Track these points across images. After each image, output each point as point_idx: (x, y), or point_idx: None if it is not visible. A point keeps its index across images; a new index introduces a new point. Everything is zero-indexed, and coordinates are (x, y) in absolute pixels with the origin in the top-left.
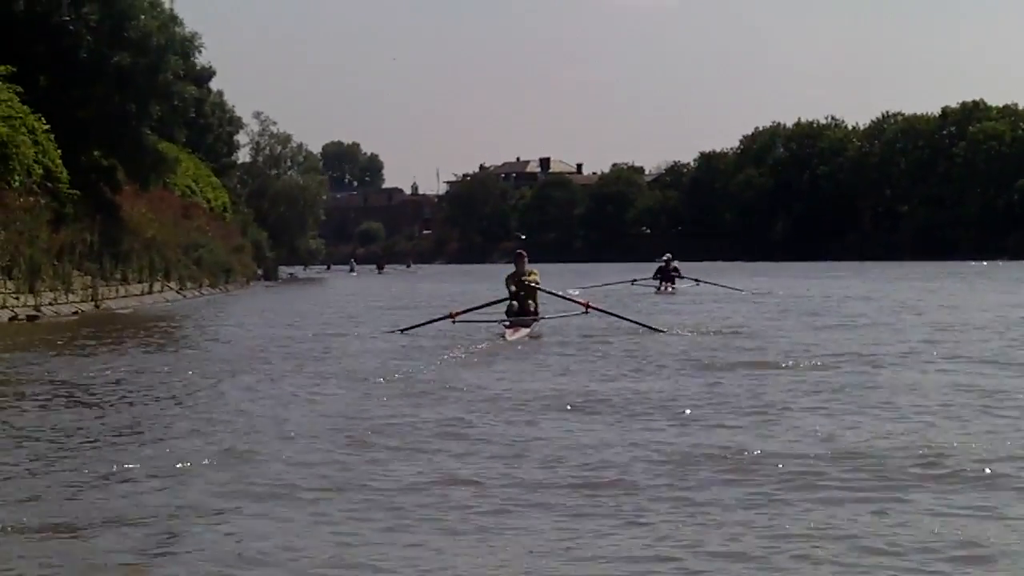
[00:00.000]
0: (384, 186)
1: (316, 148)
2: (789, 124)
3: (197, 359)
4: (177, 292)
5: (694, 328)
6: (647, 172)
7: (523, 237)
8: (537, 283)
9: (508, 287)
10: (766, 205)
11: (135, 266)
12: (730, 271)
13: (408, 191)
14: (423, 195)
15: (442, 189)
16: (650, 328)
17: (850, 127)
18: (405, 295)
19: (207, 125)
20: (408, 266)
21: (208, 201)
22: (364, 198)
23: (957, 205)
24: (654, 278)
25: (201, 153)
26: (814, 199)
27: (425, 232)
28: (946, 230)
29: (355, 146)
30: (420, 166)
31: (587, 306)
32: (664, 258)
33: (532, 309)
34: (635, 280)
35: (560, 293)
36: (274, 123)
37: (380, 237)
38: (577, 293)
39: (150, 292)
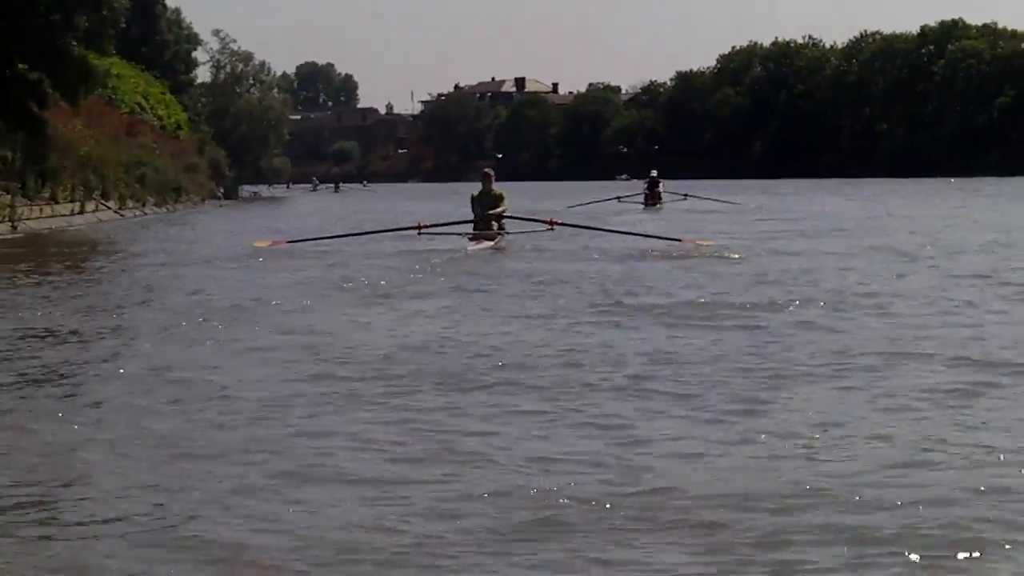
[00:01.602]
0: (359, 106)
1: (290, 68)
2: (766, 43)
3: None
4: (116, 212)
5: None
6: (624, 91)
7: (499, 156)
8: (504, 206)
9: (473, 209)
10: (743, 124)
11: (66, 185)
12: (708, 189)
13: (383, 111)
14: (398, 115)
15: (417, 109)
16: (620, 232)
17: (828, 46)
18: (364, 213)
19: (163, 42)
20: (364, 185)
21: (160, 119)
22: (338, 118)
23: (935, 124)
24: (643, 193)
25: (157, 71)
26: (791, 118)
27: (400, 151)
28: (924, 149)
29: (329, 66)
30: (395, 86)
31: (551, 223)
32: (651, 174)
33: (496, 227)
34: (620, 197)
35: (523, 217)
36: (234, 41)
37: (354, 156)
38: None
39: (81, 212)
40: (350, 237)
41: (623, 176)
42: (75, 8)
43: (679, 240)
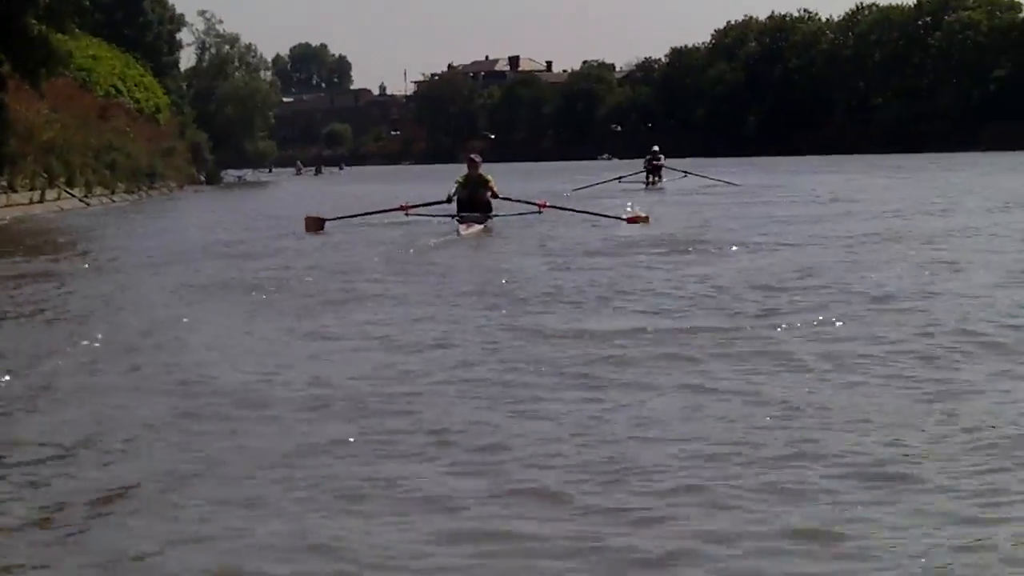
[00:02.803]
0: (352, 87)
1: (284, 50)
2: (762, 17)
3: None
4: (81, 200)
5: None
6: (618, 69)
7: (491, 136)
8: (492, 189)
9: (458, 193)
10: (738, 100)
11: (26, 172)
12: (705, 166)
13: (376, 92)
14: (391, 96)
15: (410, 90)
16: (609, 217)
17: (823, 20)
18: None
19: (146, 23)
20: (340, 168)
21: (137, 102)
22: (331, 99)
23: (932, 97)
24: (643, 171)
25: (138, 52)
26: (786, 93)
27: (393, 133)
28: (920, 122)
29: (323, 48)
30: (388, 67)
31: (542, 205)
32: (652, 149)
33: (485, 205)
34: (621, 177)
35: (513, 198)
36: (220, 22)
37: (347, 139)
38: (567, 196)
39: (41, 201)
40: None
41: (604, 156)
42: None
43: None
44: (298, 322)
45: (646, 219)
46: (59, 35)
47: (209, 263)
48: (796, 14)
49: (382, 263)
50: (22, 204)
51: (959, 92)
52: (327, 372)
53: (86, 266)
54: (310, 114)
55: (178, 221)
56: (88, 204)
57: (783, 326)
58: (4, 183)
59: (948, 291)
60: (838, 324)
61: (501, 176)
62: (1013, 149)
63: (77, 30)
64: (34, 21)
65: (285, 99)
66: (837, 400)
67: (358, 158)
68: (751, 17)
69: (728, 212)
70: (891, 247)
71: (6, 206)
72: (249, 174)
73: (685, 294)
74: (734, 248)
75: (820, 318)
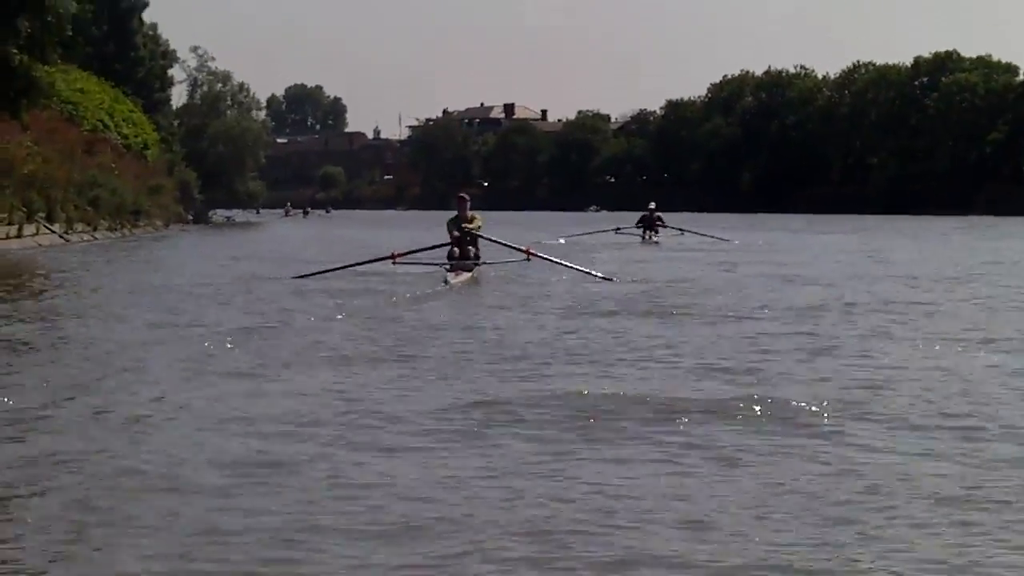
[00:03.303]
0: (347, 130)
1: (279, 90)
2: (758, 72)
3: None
4: (61, 236)
5: (644, 279)
6: (613, 120)
7: (485, 184)
8: (479, 228)
9: (450, 232)
10: (733, 155)
11: (4, 205)
12: (699, 221)
13: (370, 135)
14: (385, 140)
15: (404, 134)
16: (595, 276)
17: (820, 76)
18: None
19: (137, 58)
20: (327, 211)
21: (125, 137)
22: (325, 142)
23: (928, 158)
24: (637, 226)
25: (129, 87)
26: (782, 149)
27: (387, 177)
28: (916, 183)
29: (318, 89)
30: (383, 111)
31: (529, 253)
32: (649, 207)
33: (473, 255)
34: (619, 228)
35: (501, 241)
36: (212, 59)
37: (341, 182)
38: (562, 242)
39: (19, 235)
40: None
41: (593, 207)
42: (16, 12)
43: (611, 280)
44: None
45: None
46: (43, 66)
47: (166, 311)
48: (792, 70)
49: (348, 318)
50: None
51: (955, 154)
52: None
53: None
54: (304, 156)
55: (156, 262)
56: (68, 240)
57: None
58: None
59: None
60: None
61: (493, 224)
62: (1007, 214)
63: (63, 62)
64: (15, 51)
65: (279, 140)
66: None
67: (352, 201)
68: (747, 72)
69: (726, 275)
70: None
71: None
72: (239, 214)
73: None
74: (730, 314)
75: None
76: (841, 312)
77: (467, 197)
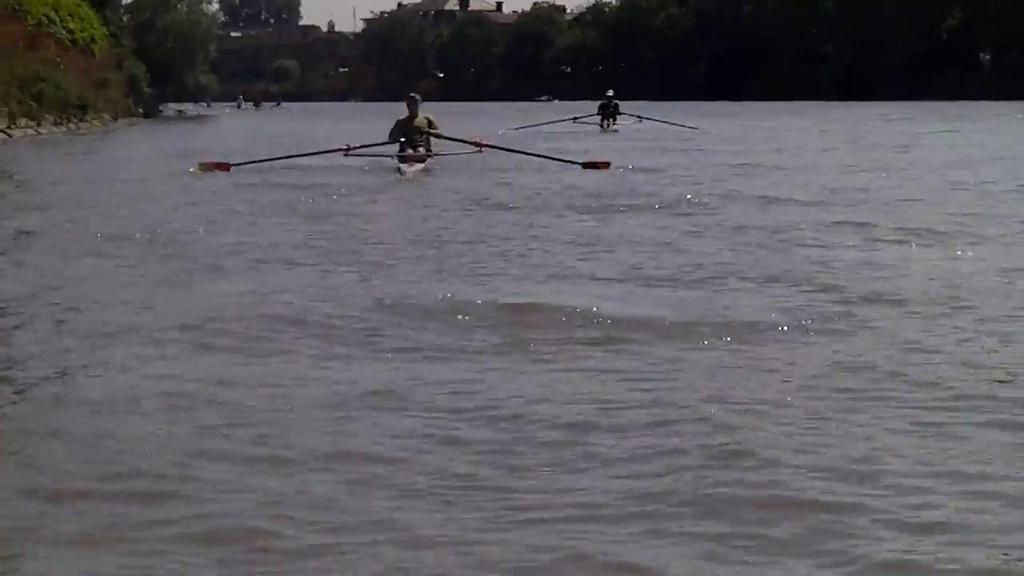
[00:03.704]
0: (301, 23)
1: None
2: None
3: None
4: (3, 131)
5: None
6: (569, 11)
7: (440, 75)
8: (432, 130)
9: (396, 136)
10: (687, 44)
11: None
12: (655, 109)
13: (324, 29)
14: (339, 33)
15: (359, 27)
16: (560, 160)
17: None
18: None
19: None
20: (278, 104)
21: (71, 32)
22: (279, 35)
23: (883, 45)
24: (596, 115)
25: None
26: (736, 38)
27: (341, 70)
28: (871, 71)
29: None
30: (337, 4)
31: (480, 145)
32: (607, 95)
33: (425, 149)
34: (576, 118)
35: (452, 137)
36: None
37: (294, 75)
38: (517, 132)
39: None
40: (284, 159)
41: (544, 97)
42: None
43: (579, 164)
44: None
45: (606, 165)
46: None
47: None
48: None
49: (290, 212)
50: None
51: (910, 41)
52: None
53: None
54: (258, 49)
55: (96, 156)
56: (11, 136)
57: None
58: None
59: None
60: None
61: (447, 115)
62: (963, 99)
63: None
64: None
65: (233, 34)
66: None
67: (305, 95)
68: None
69: (696, 160)
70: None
71: None
72: (190, 108)
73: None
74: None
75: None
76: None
77: (418, 97)
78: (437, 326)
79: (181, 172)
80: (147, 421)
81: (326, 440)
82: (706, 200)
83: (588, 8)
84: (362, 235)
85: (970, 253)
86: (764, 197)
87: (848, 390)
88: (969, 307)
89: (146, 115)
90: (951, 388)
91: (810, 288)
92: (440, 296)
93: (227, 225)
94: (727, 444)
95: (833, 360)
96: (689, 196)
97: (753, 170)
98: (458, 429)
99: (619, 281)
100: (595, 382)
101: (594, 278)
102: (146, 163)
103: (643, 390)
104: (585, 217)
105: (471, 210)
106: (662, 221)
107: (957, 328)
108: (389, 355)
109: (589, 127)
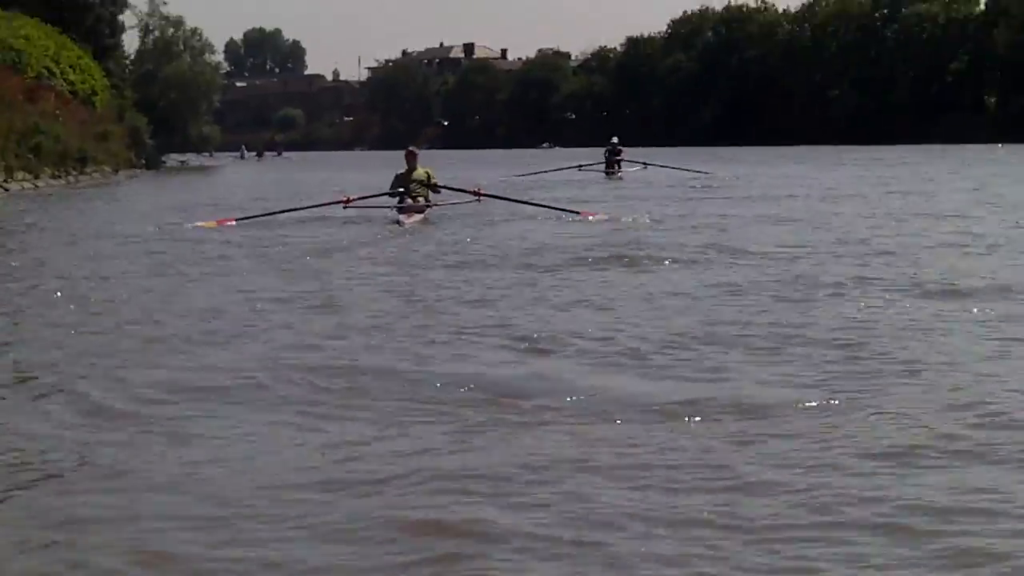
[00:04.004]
0: (306, 72)
1: (237, 34)
2: (718, 7)
3: None
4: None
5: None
6: (573, 58)
7: (445, 123)
8: (431, 182)
9: (395, 189)
10: (694, 90)
11: None
12: (662, 156)
13: (330, 78)
14: (344, 81)
15: (364, 76)
16: (553, 208)
17: (780, 11)
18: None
19: (86, 4)
20: (279, 153)
21: (71, 84)
22: (284, 84)
23: (888, 90)
24: (603, 161)
25: (75, 34)
26: (743, 84)
27: (346, 119)
28: (877, 115)
29: (277, 32)
30: (342, 53)
31: (478, 194)
32: (611, 141)
33: (424, 200)
34: (581, 165)
35: (451, 187)
36: (164, 3)
37: (300, 124)
38: (520, 179)
39: None
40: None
41: (545, 144)
42: None
43: (578, 212)
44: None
45: (603, 216)
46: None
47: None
48: (753, 4)
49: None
50: None
51: (916, 85)
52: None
53: None
54: (263, 99)
55: (92, 211)
56: (7, 190)
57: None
58: None
59: None
60: None
61: (447, 163)
62: (968, 142)
63: (4, 9)
64: None
65: (238, 83)
66: None
67: (311, 143)
68: (707, 7)
69: (711, 209)
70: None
71: None
72: (192, 159)
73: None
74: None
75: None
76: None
77: (417, 151)
78: (413, 399)
79: (174, 227)
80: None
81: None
82: (709, 253)
83: (593, 54)
84: (351, 295)
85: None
86: (780, 247)
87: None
88: None
89: (148, 166)
90: None
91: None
92: (417, 367)
93: (212, 285)
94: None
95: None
96: (695, 247)
97: (767, 218)
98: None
99: (618, 348)
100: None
101: (593, 342)
102: (138, 219)
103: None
104: (585, 271)
105: (465, 265)
106: (668, 276)
107: None
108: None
109: (594, 174)
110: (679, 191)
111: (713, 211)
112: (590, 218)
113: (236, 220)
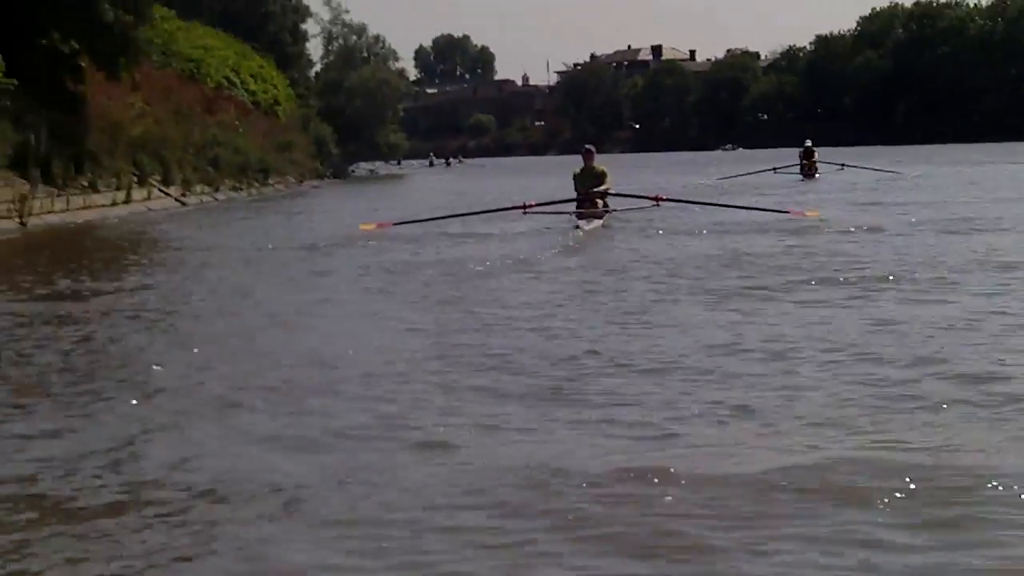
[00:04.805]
0: (495, 78)
1: (427, 41)
2: (908, 4)
3: None
4: (177, 199)
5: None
6: (762, 57)
7: (636, 126)
8: (607, 183)
9: (576, 188)
10: (885, 88)
11: (108, 169)
12: (856, 156)
13: (519, 82)
14: (534, 86)
15: (552, 80)
16: (765, 211)
17: (971, 5)
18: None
19: (268, 13)
20: (460, 160)
21: (252, 94)
22: (475, 90)
23: None
24: (798, 163)
25: (259, 43)
26: (935, 81)
27: (537, 124)
28: None
29: (466, 38)
30: (530, 58)
31: (657, 199)
32: (806, 144)
33: (602, 204)
34: (776, 168)
35: (629, 194)
36: (347, 11)
37: (491, 129)
38: (719, 182)
39: (127, 200)
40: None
41: (728, 146)
42: None
43: (787, 212)
44: None
45: (816, 214)
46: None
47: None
48: (943, 0)
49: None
50: (103, 205)
51: None
52: None
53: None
54: (454, 105)
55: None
56: (184, 203)
57: None
58: (85, 183)
59: None
60: None
61: (628, 168)
62: None
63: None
64: (107, 7)
65: (429, 90)
66: None
67: (504, 148)
68: (897, 4)
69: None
70: None
71: (83, 208)
72: (381, 167)
73: None
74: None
75: None
76: None
77: (593, 150)
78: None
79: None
80: None
81: None
82: (917, 273)
83: (782, 54)
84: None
85: None
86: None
87: None
88: None
89: (335, 176)
90: None
91: None
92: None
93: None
94: None
95: None
96: (902, 266)
97: (977, 224)
98: None
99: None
100: None
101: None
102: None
103: None
104: (765, 294)
105: (660, 284)
106: (870, 303)
107: None
108: None
109: (789, 176)
110: (878, 195)
111: (945, 216)
112: (807, 214)
113: (396, 224)
